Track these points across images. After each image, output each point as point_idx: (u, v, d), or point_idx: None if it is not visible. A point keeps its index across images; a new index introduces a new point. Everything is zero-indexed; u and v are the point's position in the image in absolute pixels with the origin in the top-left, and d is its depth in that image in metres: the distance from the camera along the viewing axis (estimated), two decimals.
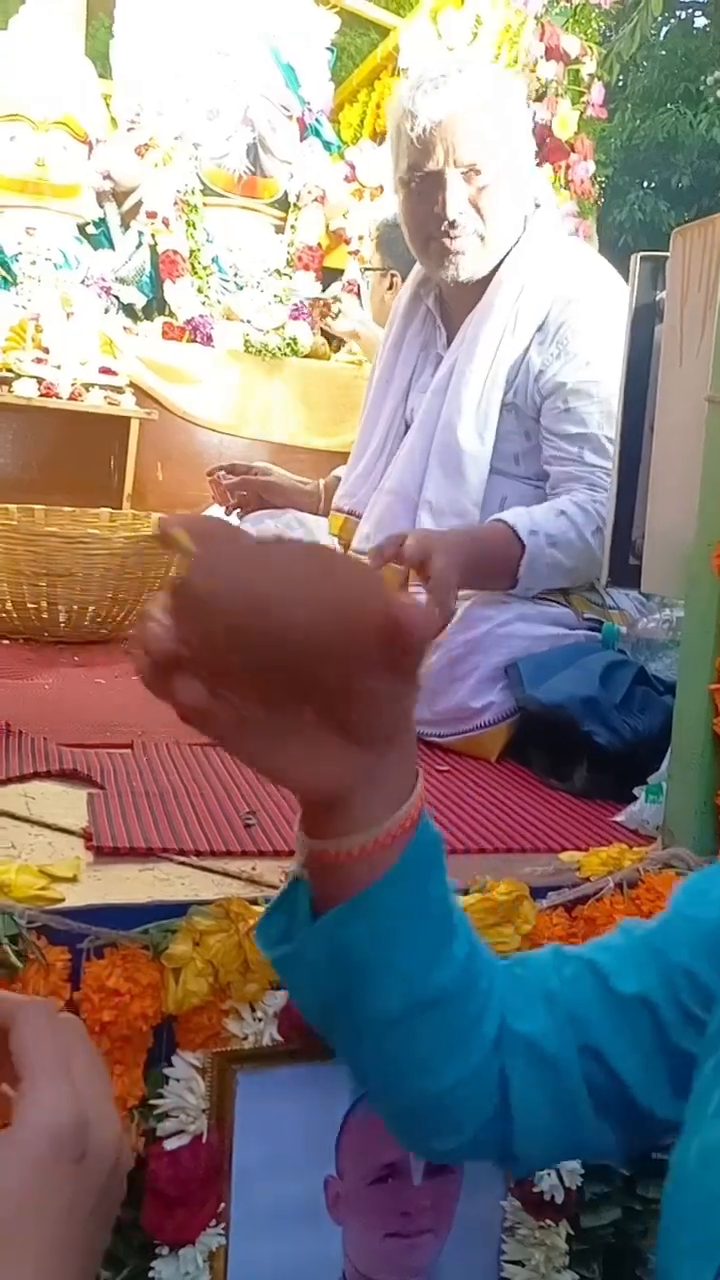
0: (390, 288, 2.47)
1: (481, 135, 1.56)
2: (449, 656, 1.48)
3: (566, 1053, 0.65)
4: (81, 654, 2.06)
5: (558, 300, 1.62)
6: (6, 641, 2.09)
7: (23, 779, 1.23)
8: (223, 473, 2.41)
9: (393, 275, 2.47)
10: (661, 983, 0.65)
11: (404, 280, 2.46)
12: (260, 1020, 0.88)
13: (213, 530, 0.52)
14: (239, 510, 2.28)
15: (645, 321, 1.37)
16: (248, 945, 0.88)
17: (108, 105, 3.61)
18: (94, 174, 3.51)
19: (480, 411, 1.64)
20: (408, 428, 1.77)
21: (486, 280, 1.66)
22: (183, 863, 1.00)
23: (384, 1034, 0.61)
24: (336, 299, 3.10)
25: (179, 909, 0.90)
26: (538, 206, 1.78)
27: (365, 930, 0.58)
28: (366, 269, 2.67)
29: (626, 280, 1.68)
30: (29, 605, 2.07)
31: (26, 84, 3.35)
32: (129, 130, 3.44)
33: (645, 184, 9.99)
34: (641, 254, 1.38)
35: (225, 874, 0.98)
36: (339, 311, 3.02)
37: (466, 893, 0.98)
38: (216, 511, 3.17)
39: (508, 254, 1.65)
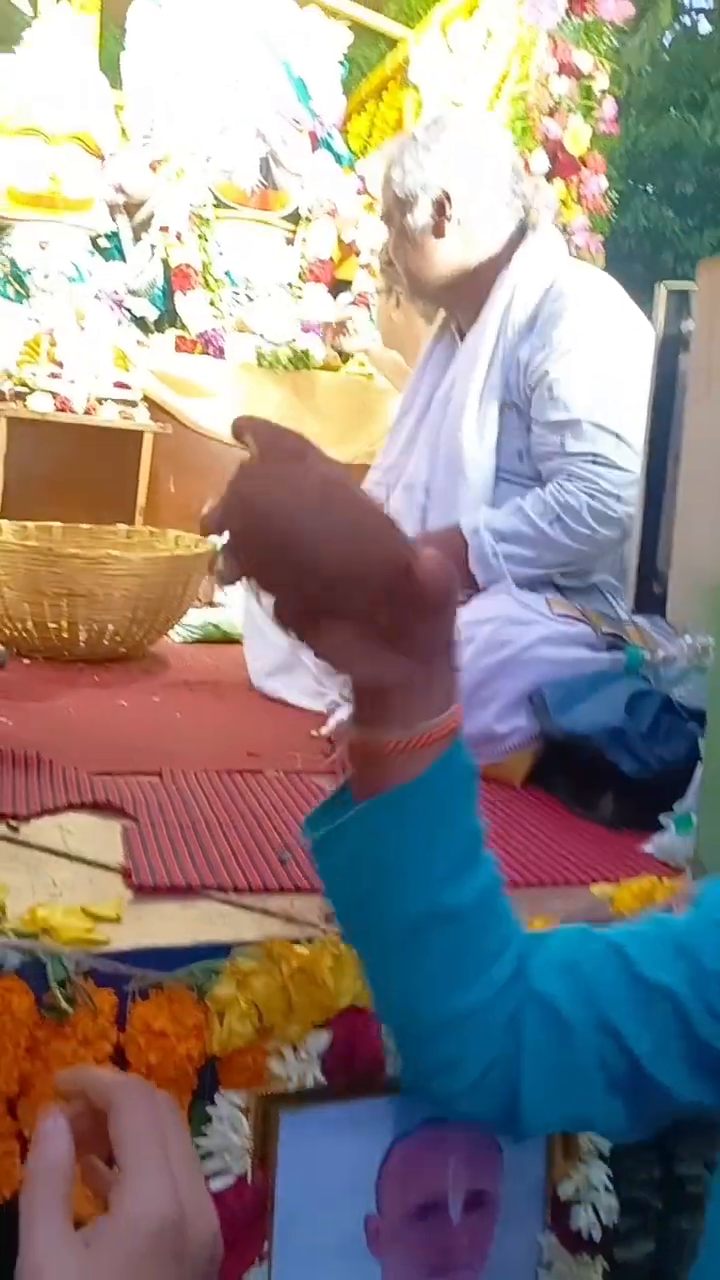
0: (397, 306, 2.48)
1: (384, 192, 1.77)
2: (473, 680, 1.49)
3: (583, 1024, 0.68)
4: (101, 674, 2.07)
5: (544, 297, 1.70)
6: (27, 661, 2.10)
7: (56, 811, 1.24)
8: None
9: (398, 294, 2.48)
10: (690, 981, 0.67)
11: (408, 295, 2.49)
12: (304, 1061, 0.89)
13: (274, 442, 0.61)
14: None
15: (671, 352, 1.38)
16: (291, 987, 0.89)
17: (119, 117, 3.63)
18: (106, 187, 3.52)
19: (479, 414, 1.72)
20: None
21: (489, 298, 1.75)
22: (222, 900, 1.01)
23: (402, 940, 0.67)
24: (349, 320, 3.11)
25: (222, 950, 0.91)
26: (532, 226, 1.82)
27: (394, 824, 0.65)
28: (375, 290, 2.69)
29: (628, 291, 1.79)
30: (49, 625, 2.08)
31: (40, 98, 3.36)
32: (143, 145, 3.45)
33: (649, 190, 10.00)
34: (667, 284, 1.39)
35: (265, 912, 0.99)
36: (354, 330, 3.04)
37: None
38: None
39: (502, 270, 1.75)
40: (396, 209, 1.78)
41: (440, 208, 1.74)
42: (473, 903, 0.67)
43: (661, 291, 1.37)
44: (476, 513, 1.65)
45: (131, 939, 0.92)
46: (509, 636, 1.51)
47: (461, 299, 1.82)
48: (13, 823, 1.18)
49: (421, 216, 1.75)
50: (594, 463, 1.63)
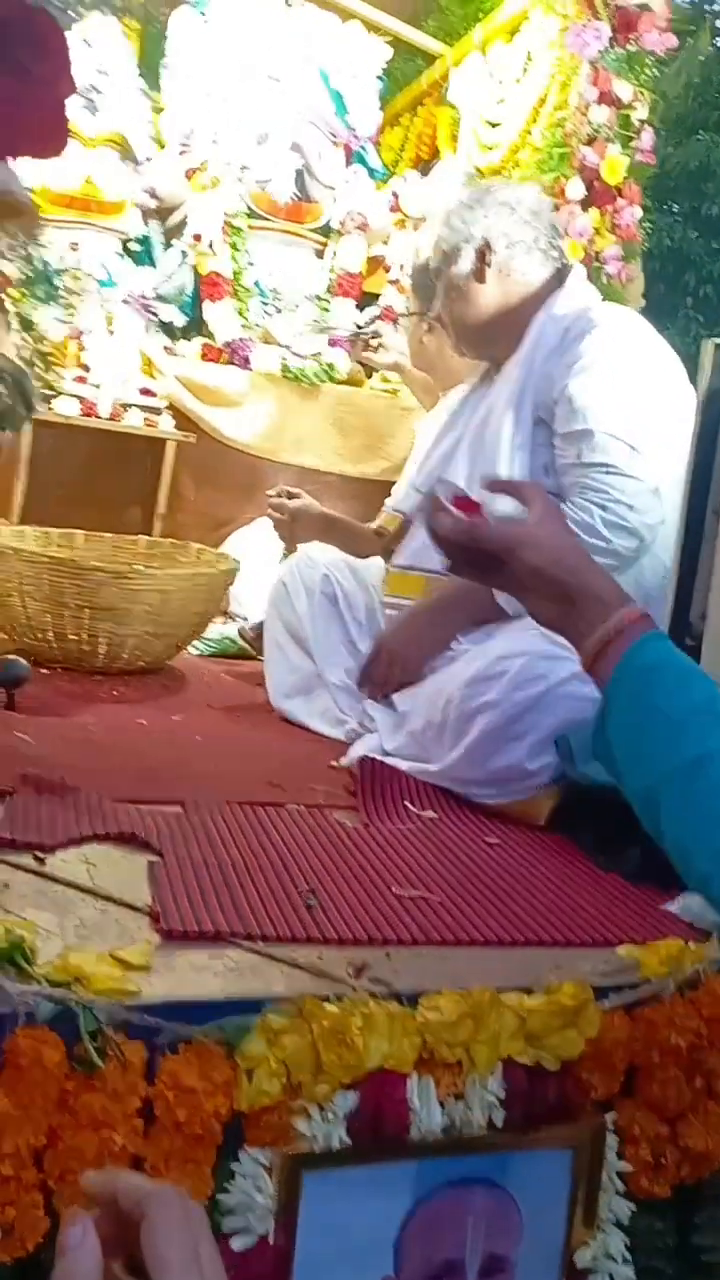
0: (429, 330, 2.48)
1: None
2: (504, 715, 1.49)
3: None
4: (120, 687, 2.07)
5: (574, 322, 1.78)
6: (46, 671, 2.09)
7: (81, 841, 1.23)
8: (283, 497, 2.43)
9: (431, 319, 2.48)
10: None
11: (440, 320, 2.49)
12: (330, 1121, 0.89)
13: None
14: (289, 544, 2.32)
15: (716, 407, 1.38)
16: (321, 1046, 0.88)
17: (157, 122, 3.63)
18: (140, 191, 3.52)
19: (515, 429, 1.77)
20: None
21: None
22: (251, 949, 1.01)
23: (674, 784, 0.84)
24: (378, 334, 3.11)
25: (253, 1005, 0.90)
26: (566, 266, 1.92)
27: (617, 718, 0.90)
28: (404, 314, 2.68)
29: (651, 312, 1.87)
30: (70, 636, 2.08)
31: (77, 100, 3.36)
32: (179, 152, 3.45)
33: (674, 211, 9.98)
34: (715, 341, 1.39)
35: (294, 965, 0.99)
36: (379, 345, 3.03)
37: (530, 992, 0.98)
38: (249, 533, 3.20)
39: (538, 312, 1.82)
40: (444, 263, 1.89)
41: (482, 255, 1.84)
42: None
43: (708, 347, 1.37)
44: None
45: (162, 989, 0.92)
46: (541, 671, 1.50)
47: (500, 340, 1.87)
48: (39, 854, 1.18)
49: (465, 264, 1.85)
50: (606, 473, 1.64)
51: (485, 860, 1.32)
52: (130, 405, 3.16)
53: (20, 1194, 0.83)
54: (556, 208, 3.16)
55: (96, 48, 3.32)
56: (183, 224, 3.59)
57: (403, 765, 1.59)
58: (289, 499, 2.42)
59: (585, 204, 3.08)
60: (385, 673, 1.72)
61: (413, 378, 3.01)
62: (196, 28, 3.46)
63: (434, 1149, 0.92)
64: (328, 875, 1.21)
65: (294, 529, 2.47)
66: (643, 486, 1.63)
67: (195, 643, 2.43)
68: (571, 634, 0.96)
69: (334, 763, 1.69)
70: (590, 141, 3.04)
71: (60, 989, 0.87)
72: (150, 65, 3.61)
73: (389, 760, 1.60)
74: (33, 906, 1.05)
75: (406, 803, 1.50)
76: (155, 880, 1.13)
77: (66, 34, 0.64)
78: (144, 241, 3.62)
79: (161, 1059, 0.87)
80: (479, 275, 1.84)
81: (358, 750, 1.67)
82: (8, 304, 0.85)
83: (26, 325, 0.81)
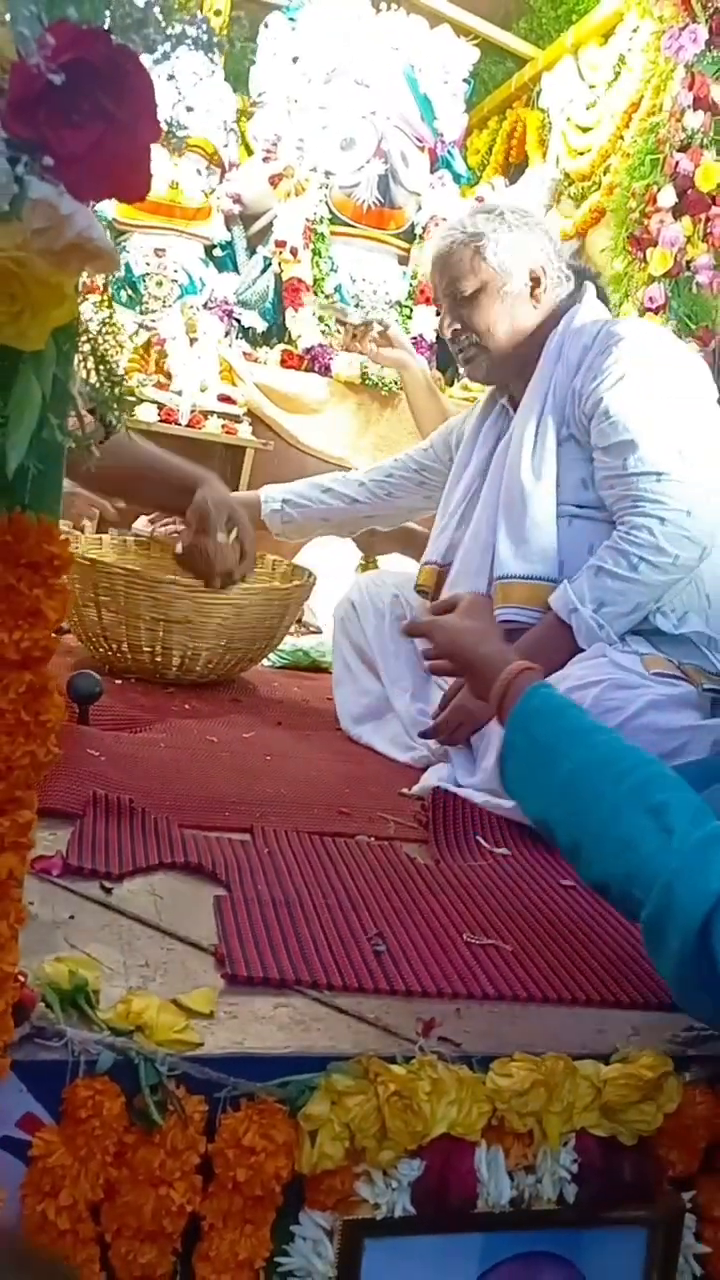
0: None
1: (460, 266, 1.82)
2: None
3: None
4: (192, 700, 2.06)
5: (595, 337, 1.73)
6: (119, 682, 2.10)
7: (148, 870, 1.22)
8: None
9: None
10: None
11: None
12: (394, 1188, 0.86)
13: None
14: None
15: None
16: (387, 1110, 0.85)
17: (243, 129, 3.63)
18: (225, 198, 3.52)
19: (536, 451, 1.73)
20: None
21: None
22: (316, 999, 0.98)
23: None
24: (383, 323, 3.06)
25: (316, 1062, 0.88)
26: (578, 283, 1.91)
27: (511, 757, 1.12)
28: None
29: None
30: (144, 649, 2.08)
31: (164, 107, 3.36)
32: (264, 158, 3.44)
33: None
34: None
35: (360, 1019, 0.96)
36: (384, 339, 2.99)
37: (606, 1060, 0.94)
38: (326, 542, 3.18)
39: (554, 330, 1.80)
40: (484, 301, 1.83)
41: (536, 282, 1.82)
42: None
43: None
44: (565, 591, 1.62)
45: (225, 1038, 0.90)
46: (617, 702, 1.45)
47: (520, 360, 1.84)
48: (106, 883, 1.17)
49: (516, 289, 1.82)
50: (659, 480, 1.59)
51: (559, 905, 1.28)
52: (210, 412, 3.17)
53: (76, 1248, 0.81)
54: (646, 214, 3.11)
55: (183, 82, 3.33)
56: (267, 230, 3.59)
57: (476, 798, 1.55)
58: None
59: (677, 212, 2.99)
60: (455, 731, 1.68)
61: (415, 379, 2.97)
62: (285, 34, 3.45)
63: (501, 1222, 0.88)
64: (396, 917, 1.18)
65: (372, 540, 2.45)
66: (697, 491, 1.59)
67: (269, 654, 2.41)
68: (484, 698, 1.24)
69: (404, 790, 1.66)
70: (685, 148, 2.96)
71: (122, 1038, 0.85)
72: (238, 72, 3.62)
73: (462, 792, 1.57)
74: (98, 941, 1.04)
75: (479, 837, 1.46)
76: (221, 917, 1.11)
77: (151, 74, 0.62)
78: (227, 247, 3.63)
79: (222, 1115, 0.85)
80: (531, 303, 1.82)
81: (430, 780, 1.64)
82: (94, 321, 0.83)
83: (106, 369, 0.80)
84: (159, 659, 2.09)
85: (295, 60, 3.45)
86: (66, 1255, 0.81)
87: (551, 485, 1.71)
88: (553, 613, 1.63)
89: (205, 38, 0.66)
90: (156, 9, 0.65)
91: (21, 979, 0.83)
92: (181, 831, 1.34)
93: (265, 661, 2.42)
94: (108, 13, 0.65)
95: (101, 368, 0.76)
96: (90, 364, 0.77)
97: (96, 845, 1.25)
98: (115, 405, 0.85)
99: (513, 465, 1.76)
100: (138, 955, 1.03)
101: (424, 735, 1.76)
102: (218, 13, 3.55)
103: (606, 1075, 0.91)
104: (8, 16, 0.63)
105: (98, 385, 0.84)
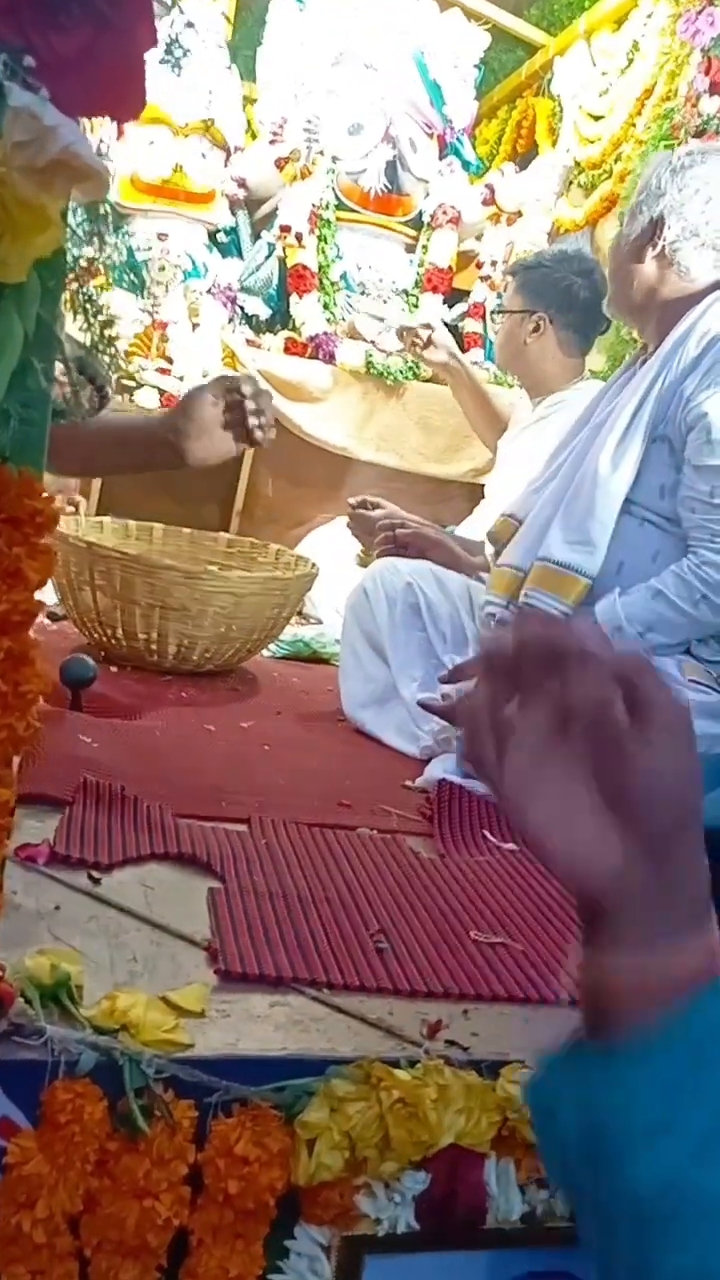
0: (536, 329, 2.37)
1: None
2: None
3: None
4: (189, 688, 2.00)
5: (718, 338, 1.59)
6: (115, 669, 2.04)
7: (140, 860, 1.16)
8: (376, 512, 2.33)
9: (539, 318, 2.37)
10: None
11: (551, 322, 2.37)
12: (397, 1202, 0.80)
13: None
14: (389, 551, 2.18)
15: None
16: (390, 1118, 0.79)
17: (249, 111, 3.57)
18: (229, 181, 3.46)
19: (624, 440, 1.63)
20: None
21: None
22: (315, 998, 0.92)
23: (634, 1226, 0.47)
24: (428, 326, 2.98)
25: (315, 1066, 0.82)
26: None
27: (623, 1097, 0.47)
28: (499, 310, 2.55)
29: None
30: (140, 635, 2.02)
31: (169, 88, 3.31)
32: (270, 141, 3.38)
33: None
34: None
35: (362, 1020, 0.90)
36: (429, 339, 2.90)
37: None
38: (328, 531, 3.12)
39: (692, 309, 1.64)
40: (628, 214, 1.72)
41: (653, 232, 1.65)
42: None
43: None
44: (613, 604, 1.54)
45: (217, 1040, 0.84)
46: None
47: (648, 326, 1.72)
48: (95, 873, 1.11)
49: (634, 230, 1.68)
50: None
51: (570, 902, 1.22)
52: None
53: (53, 1264, 0.75)
54: None
55: (190, 36, 3.27)
56: (271, 215, 3.52)
57: (482, 789, 1.49)
58: (370, 509, 2.33)
59: None
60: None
61: (460, 379, 2.89)
62: (293, 16, 3.39)
63: (512, 1239, 0.82)
64: (400, 913, 1.12)
65: (369, 533, 2.39)
66: None
67: (269, 644, 2.35)
68: (645, 911, 0.52)
69: (408, 783, 1.60)
70: (700, 133, 2.89)
71: (106, 1037, 0.80)
72: (245, 56, 3.56)
73: (467, 783, 1.51)
74: (83, 934, 0.98)
75: (485, 832, 1.40)
76: (215, 910, 1.05)
77: None
78: (231, 232, 3.57)
79: (212, 1122, 0.79)
80: (639, 252, 1.67)
81: (434, 771, 1.58)
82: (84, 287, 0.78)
83: (94, 309, 0.74)
84: (155, 646, 2.03)
85: (302, 43, 3.38)
86: (43, 1270, 0.75)
87: (626, 480, 1.60)
88: (595, 622, 1.55)
89: None
90: None
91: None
92: (175, 820, 1.28)
93: (265, 651, 2.36)
94: None
95: (93, 312, 0.70)
96: (79, 307, 0.71)
97: (85, 833, 1.19)
98: (108, 359, 0.79)
99: (597, 446, 1.66)
100: (126, 949, 0.97)
101: (424, 706, 1.69)
102: None
103: None
104: None
105: (88, 338, 0.78)
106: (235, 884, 1.12)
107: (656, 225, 1.64)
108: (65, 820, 1.21)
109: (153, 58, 0.65)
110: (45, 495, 0.68)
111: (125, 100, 0.60)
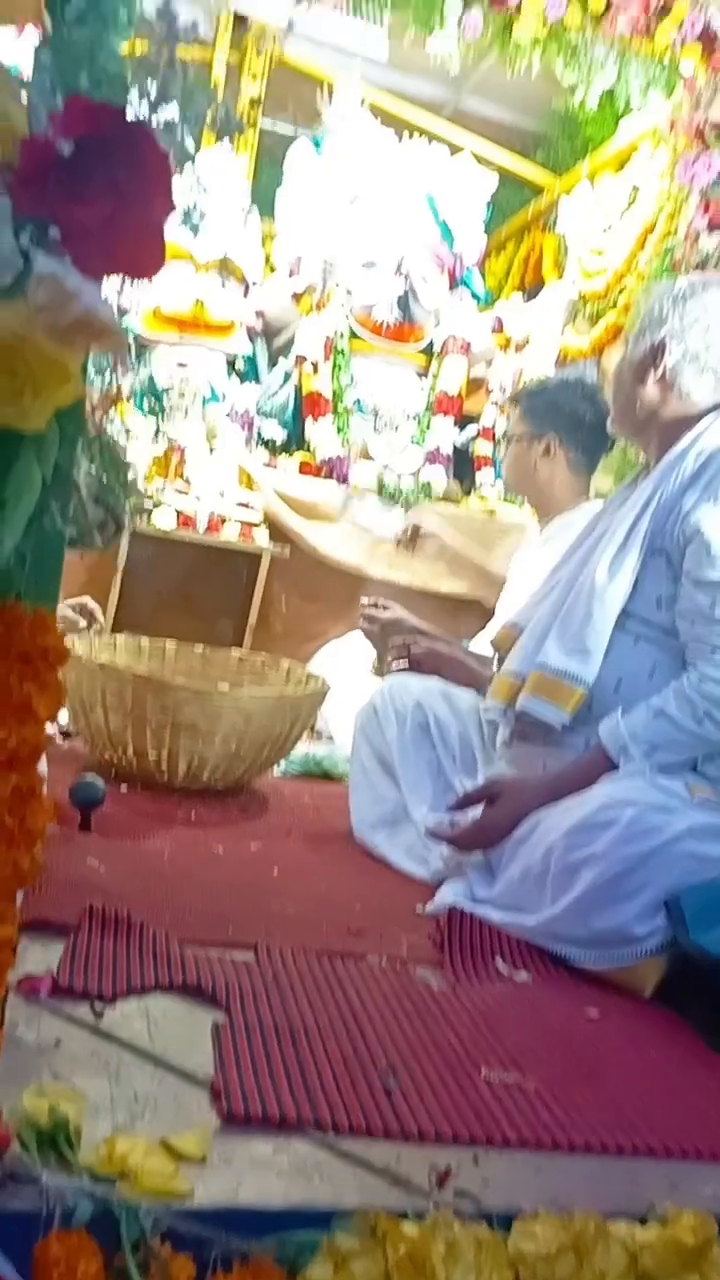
0: (546, 452, 2.43)
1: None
2: (612, 870, 1.35)
3: None
4: (198, 809, 1.99)
5: (715, 456, 1.62)
6: (124, 788, 2.03)
7: (144, 991, 1.14)
8: (385, 615, 2.35)
9: (549, 441, 2.43)
10: None
11: (561, 445, 2.43)
12: None
13: None
14: (400, 663, 2.19)
15: None
16: (396, 1275, 0.76)
17: (268, 247, 3.73)
18: (248, 313, 3.60)
19: (621, 551, 1.65)
20: None
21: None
22: (320, 1142, 0.89)
23: None
24: (419, 528, 3.19)
25: (319, 1218, 0.79)
26: None
27: None
28: (509, 436, 2.60)
29: None
30: (150, 754, 2.02)
31: (193, 227, 3.46)
32: (288, 275, 3.52)
33: None
34: None
35: (368, 1167, 0.87)
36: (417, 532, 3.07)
37: (643, 1220, 0.84)
38: (340, 647, 3.14)
39: (691, 429, 1.68)
40: (632, 338, 1.77)
41: (654, 355, 1.70)
42: None
43: None
44: (617, 725, 1.54)
45: (218, 1189, 0.81)
46: (653, 825, 1.37)
47: (649, 444, 1.76)
48: (98, 1005, 1.09)
49: (637, 354, 1.73)
50: None
51: (585, 1038, 1.19)
52: (227, 518, 3.17)
53: None
54: None
55: (203, 169, 3.45)
56: (289, 343, 3.65)
57: (495, 916, 1.46)
58: (382, 610, 2.36)
59: None
60: (474, 845, 1.61)
61: (453, 555, 2.95)
62: (311, 160, 3.57)
63: None
64: (409, 1049, 1.09)
65: (385, 640, 2.40)
66: None
67: (279, 762, 2.35)
68: None
69: (419, 908, 1.57)
70: (700, 267, 3.01)
71: (103, 1185, 0.77)
72: (264, 195, 3.74)
73: (479, 909, 1.48)
74: (84, 1071, 0.96)
75: (498, 960, 1.37)
76: (219, 1046, 1.03)
77: (168, 153, 0.59)
78: (250, 360, 3.69)
79: (211, 1276, 0.76)
80: (641, 374, 1.71)
81: (445, 897, 1.56)
82: (110, 422, 0.81)
83: (110, 447, 0.77)
84: (165, 765, 2.03)
85: (319, 185, 3.56)
86: None
87: (623, 590, 1.62)
88: (599, 743, 1.55)
89: (225, 121, 0.64)
90: (177, 89, 0.63)
91: None
92: (181, 948, 1.26)
93: (276, 769, 2.35)
94: (127, 92, 0.63)
95: (107, 453, 0.72)
96: (96, 450, 0.73)
97: (90, 962, 1.17)
98: (122, 493, 0.81)
99: (595, 558, 1.68)
100: (126, 1087, 0.94)
101: (432, 834, 1.68)
102: (237, 121, 3.69)
103: (642, 1239, 0.82)
104: (24, 95, 0.62)
105: (103, 474, 0.80)
106: (240, 1018, 1.10)
107: (658, 350, 1.69)
108: (69, 948, 1.20)
109: (172, 218, 0.68)
110: (58, 631, 0.70)
111: (144, 263, 0.63)
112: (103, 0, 0.64)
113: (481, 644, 2.59)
